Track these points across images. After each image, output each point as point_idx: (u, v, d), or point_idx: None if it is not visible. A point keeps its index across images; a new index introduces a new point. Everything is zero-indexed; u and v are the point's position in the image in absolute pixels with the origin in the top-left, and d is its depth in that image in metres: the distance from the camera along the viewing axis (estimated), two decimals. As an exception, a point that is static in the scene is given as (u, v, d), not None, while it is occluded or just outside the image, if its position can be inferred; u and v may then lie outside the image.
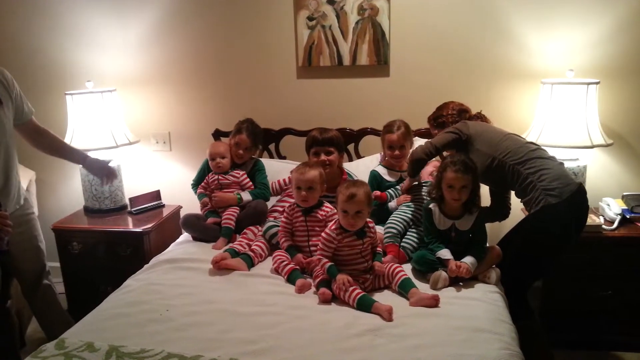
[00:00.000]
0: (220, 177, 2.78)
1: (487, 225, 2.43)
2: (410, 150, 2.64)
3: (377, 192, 2.61)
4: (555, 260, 2.41)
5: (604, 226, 2.65)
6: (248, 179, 2.81)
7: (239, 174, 2.80)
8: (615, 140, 2.81)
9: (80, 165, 2.74)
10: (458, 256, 2.21)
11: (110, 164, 2.77)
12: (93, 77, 3.20)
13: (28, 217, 2.48)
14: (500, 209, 2.57)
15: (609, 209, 2.76)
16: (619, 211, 2.73)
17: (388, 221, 2.50)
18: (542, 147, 2.40)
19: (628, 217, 2.72)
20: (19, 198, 2.41)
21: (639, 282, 2.63)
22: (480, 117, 2.62)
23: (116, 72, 3.29)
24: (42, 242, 2.56)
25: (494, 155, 2.33)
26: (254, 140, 2.84)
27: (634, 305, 2.65)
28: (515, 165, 2.29)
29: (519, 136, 2.46)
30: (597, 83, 2.70)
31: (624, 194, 2.86)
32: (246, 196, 2.76)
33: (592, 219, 2.67)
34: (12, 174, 2.33)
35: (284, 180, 2.84)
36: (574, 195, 2.22)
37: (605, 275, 2.64)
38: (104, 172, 2.72)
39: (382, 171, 2.73)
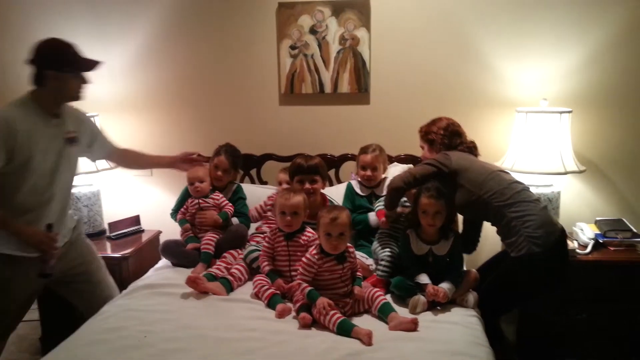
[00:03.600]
0: (200, 201, 2.79)
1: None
2: (386, 177, 2.69)
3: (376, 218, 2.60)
4: (532, 300, 2.46)
5: (577, 250, 2.71)
6: (227, 202, 2.81)
7: (218, 196, 2.81)
8: (587, 166, 2.90)
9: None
10: (436, 281, 2.24)
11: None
12: (75, 102, 3.19)
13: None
14: (469, 242, 2.54)
15: (582, 233, 2.82)
16: (592, 236, 2.79)
17: (383, 254, 2.45)
18: (527, 188, 2.36)
19: (601, 241, 2.79)
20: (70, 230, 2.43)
21: (613, 305, 2.68)
22: (469, 148, 2.54)
23: (98, 97, 3.28)
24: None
25: (478, 194, 2.31)
26: (233, 162, 2.84)
27: (608, 328, 2.70)
28: (500, 208, 2.27)
29: (505, 172, 2.42)
30: (569, 112, 2.79)
31: (597, 219, 2.93)
32: (232, 220, 2.78)
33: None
34: (67, 209, 2.40)
35: (260, 206, 2.87)
36: (556, 245, 2.24)
37: (580, 298, 2.69)
38: None
39: (355, 184, 2.80)
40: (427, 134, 2.60)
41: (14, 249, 2.17)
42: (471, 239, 2.56)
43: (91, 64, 2.28)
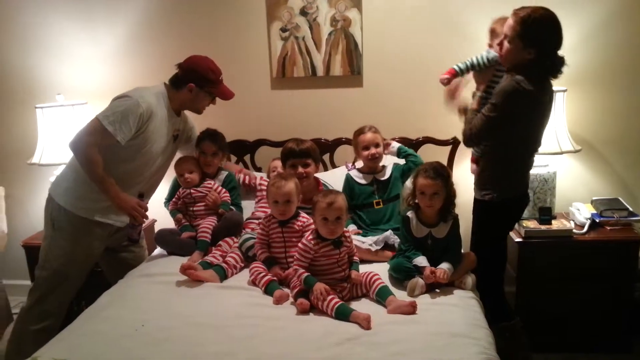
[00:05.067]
0: (192, 191, 2.75)
1: (462, 232, 2.45)
2: (384, 165, 2.72)
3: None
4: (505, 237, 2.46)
5: (574, 230, 2.71)
6: (220, 188, 2.77)
7: (210, 183, 2.77)
8: (583, 146, 2.89)
9: None
10: (434, 264, 2.23)
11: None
12: (64, 90, 3.15)
13: None
14: None
15: (579, 213, 2.82)
16: (589, 215, 2.80)
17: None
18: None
19: (597, 221, 2.79)
20: None
21: (610, 284, 2.69)
22: (559, 69, 2.15)
23: (87, 85, 3.25)
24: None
25: (509, 142, 2.20)
26: (219, 145, 2.79)
27: (605, 307, 2.71)
28: (505, 160, 2.24)
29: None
30: (564, 91, 2.78)
31: (593, 198, 2.93)
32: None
33: (563, 224, 2.74)
34: (154, 190, 2.69)
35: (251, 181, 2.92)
36: (521, 197, 2.36)
37: (577, 278, 2.70)
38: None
39: (355, 174, 2.75)
40: (526, 31, 2.05)
41: (94, 214, 2.41)
42: None
43: (227, 94, 2.59)
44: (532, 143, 2.28)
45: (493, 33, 2.34)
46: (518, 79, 2.07)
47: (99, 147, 2.30)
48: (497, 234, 2.39)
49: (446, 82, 2.41)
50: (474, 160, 2.42)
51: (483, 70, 2.37)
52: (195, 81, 2.47)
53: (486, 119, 2.15)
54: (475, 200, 2.39)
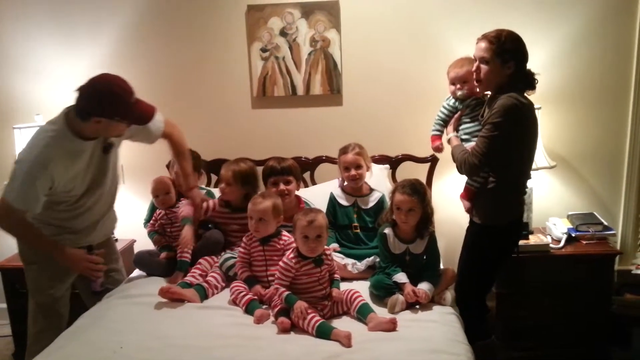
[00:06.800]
0: (168, 212, 2.73)
1: (442, 249, 2.48)
2: (374, 190, 2.70)
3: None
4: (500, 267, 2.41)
5: (551, 245, 2.76)
6: None
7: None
8: (558, 162, 2.95)
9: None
10: (414, 279, 2.25)
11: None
12: (43, 110, 3.13)
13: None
14: None
15: (555, 228, 2.87)
16: (565, 230, 2.85)
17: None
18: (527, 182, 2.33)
19: (573, 235, 2.84)
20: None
21: (587, 297, 2.73)
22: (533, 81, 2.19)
23: (66, 104, 3.21)
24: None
25: (508, 164, 2.15)
26: (193, 165, 2.73)
27: (583, 320, 2.75)
28: (502, 183, 2.18)
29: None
30: (539, 109, 2.83)
31: (569, 213, 2.99)
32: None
33: (540, 239, 2.79)
34: (107, 212, 2.47)
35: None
36: (516, 222, 2.32)
37: (555, 291, 2.73)
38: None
39: (337, 193, 2.74)
40: (502, 47, 2.12)
41: (59, 240, 2.26)
42: None
43: (144, 117, 2.15)
44: (529, 162, 2.25)
45: (452, 77, 2.43)
46: (513, 95, 2.09)
47: (19, 218, 2.12)
48: (496, 257, 2.33)
49: (439, 147, 2.52)
50: (467, 197, 2.32)
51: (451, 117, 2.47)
52: (100, 114, 2.05)
53: (489, 140, 2.09)
54: (475, 225, 2.31)
